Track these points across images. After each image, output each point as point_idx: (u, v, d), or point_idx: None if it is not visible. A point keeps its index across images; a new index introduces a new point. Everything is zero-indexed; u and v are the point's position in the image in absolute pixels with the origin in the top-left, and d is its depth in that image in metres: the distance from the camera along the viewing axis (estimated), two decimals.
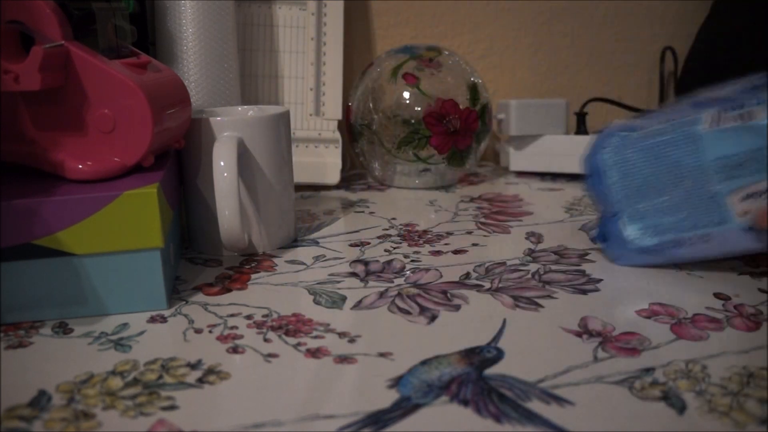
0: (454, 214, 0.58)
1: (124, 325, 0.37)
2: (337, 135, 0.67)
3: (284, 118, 0.48)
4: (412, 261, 0.46)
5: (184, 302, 0.40)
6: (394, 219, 0.56)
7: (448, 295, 0.40)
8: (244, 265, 0.46)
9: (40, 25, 0.37)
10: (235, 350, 0.34)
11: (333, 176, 0.67)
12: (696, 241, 0.40)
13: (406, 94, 0.63)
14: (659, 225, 0.41)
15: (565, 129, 0.71)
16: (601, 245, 0.45)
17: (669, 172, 0.40)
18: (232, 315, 0.38)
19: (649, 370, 0.31)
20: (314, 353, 0.33)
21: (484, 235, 0.51)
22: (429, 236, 0.51)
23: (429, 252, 0.48)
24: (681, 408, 0.28)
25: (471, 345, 0.33)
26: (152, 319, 0.37)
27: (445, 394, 0.29)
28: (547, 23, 0.83)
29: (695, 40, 0.75)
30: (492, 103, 0.68)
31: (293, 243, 0.50)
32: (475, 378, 0.30)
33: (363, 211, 0.59)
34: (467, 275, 0.43)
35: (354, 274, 0.44)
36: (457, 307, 0.38)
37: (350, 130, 0.68)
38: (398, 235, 0.52)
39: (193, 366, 0.32)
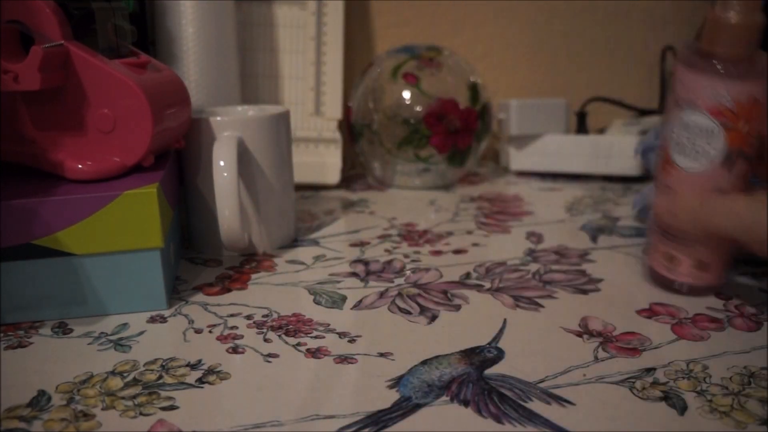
0: (454, 214, 0.58)
1: (124, 325, 0.36)
2: (337, 135, 0.67)
3: (284, 118, 0.48)
4: (413, 261, 0.46)
5: (184, 302, 0.40)
6: (394, 219, 0.56)
7: (449, 295, 0.40)
8: (244, 265, 0.46)
9: (40, 25, 0.37)
10: (235, 350, 0.34)
11: (333, 176, 0.67)
12: None
13: (407, 94, 0.63)
14: None
15: (565, 129, 0.71)
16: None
17: None
18: (232, 315, 0.38)
19: (649, 370, 0.31)
20: (314, 353, 0.33)
21: (485, 235, 0.51)
22: (429, 236, 0.51)
23: (429, 252, 0.48)
24: (682, 408, 0.28)
25: (471, 345, 0.33)
26: (152, 319, 0.37)
27: (446, 394, 0.29)
28: (547, 23, 0.83)
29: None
30: (492, 103, 0.68)
31: (293, 243, 0.50)
32: (476, 378, 0.30)
33: (363, 211, 0.59)
34: (467, 275, 0.43)
35: (354, 274, 0.43)
36: (458, 307, 0.38)
37: (350, 130, 0.68)
38: (398, 235, 0.52)
39: (193, 366, 0.32)
